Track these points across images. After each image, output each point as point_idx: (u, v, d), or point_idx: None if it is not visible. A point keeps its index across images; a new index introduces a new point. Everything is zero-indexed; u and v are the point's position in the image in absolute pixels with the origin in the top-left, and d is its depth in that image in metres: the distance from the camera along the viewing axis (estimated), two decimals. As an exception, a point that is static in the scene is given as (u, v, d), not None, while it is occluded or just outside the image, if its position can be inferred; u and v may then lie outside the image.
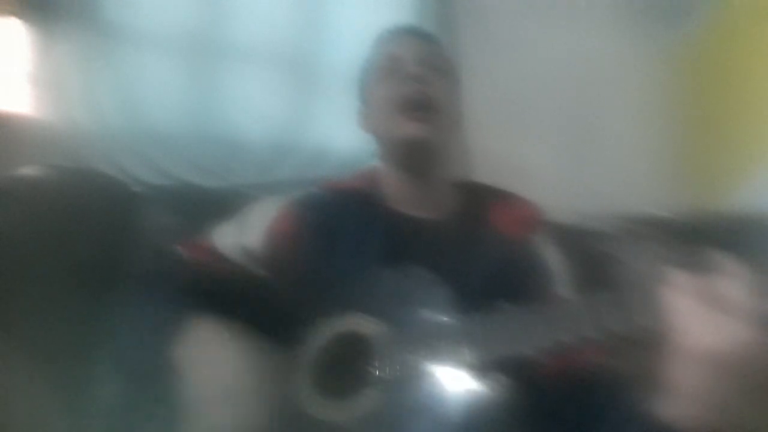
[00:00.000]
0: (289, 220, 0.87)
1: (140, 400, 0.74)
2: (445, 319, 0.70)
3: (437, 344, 0.68)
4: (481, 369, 0.65)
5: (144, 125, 1.42)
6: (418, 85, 0.85)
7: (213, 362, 0.71)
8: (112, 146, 1.36)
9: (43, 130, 1.31)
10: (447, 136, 0.89)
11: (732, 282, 0.54)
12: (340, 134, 1.57)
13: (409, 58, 0.89)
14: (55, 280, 0.95)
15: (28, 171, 1.04)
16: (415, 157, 0.88)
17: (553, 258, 0.90)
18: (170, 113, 1.46)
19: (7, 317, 0.90)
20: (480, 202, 0.92)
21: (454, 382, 0.66)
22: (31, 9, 1.31)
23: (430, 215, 0.90)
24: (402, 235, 0.86)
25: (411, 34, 0.95)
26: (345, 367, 0.72)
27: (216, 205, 1.01)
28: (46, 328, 0.92)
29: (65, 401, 0.91)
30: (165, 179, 1.37)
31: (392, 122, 0.86)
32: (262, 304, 0.78)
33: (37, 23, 1.32)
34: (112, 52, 1.40)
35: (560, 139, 1.78)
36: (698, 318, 0.54)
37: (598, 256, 1.03)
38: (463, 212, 0.91)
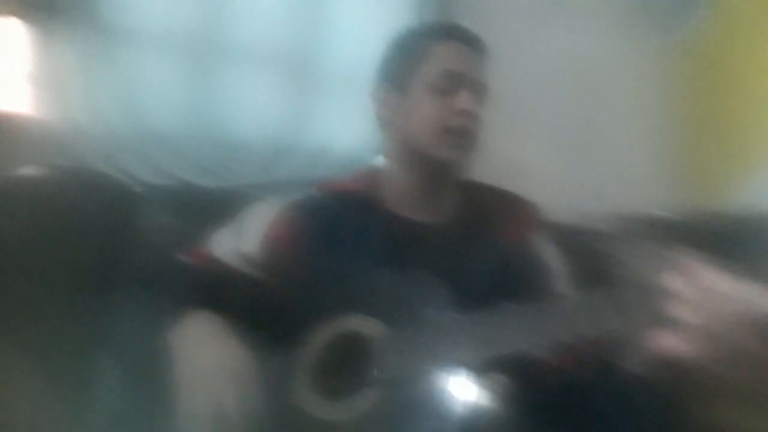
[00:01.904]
0: (286, 225, 0.87)
1: (140, 398, 0.74)
2: (445, 319, 0.70)
3: (437, 344, 0.68)
4: (481, 369, 0.65)
5: (144, 125, 1.41)
6: (468, 120, 0.85)
7: (211, 355, 0.71)
8: (112, 146, 1.36)
9: (43, 130, 1.31)
10: (471, 156, 0.89)
11: (731, 282, 0.54)
12: (340, 134, 1.57)
13: (465, 81, 0.85)
14: (55, 280, 0.95)
15: (28, 171, 1.04)
16: (435, 172, 0.88)
17: (552, 258, 0.90)
18: (170, 113, 1.46)
19: (8, 317, 0.90)
20: (480, 203, 0.92)
21: (454, 382, 0.66)
22: (31, 9, 1.31)
23: (429, 218, 0.90)
24: (401, 239, 0.86)
25: (466, 43, 0.89)
26: (345, 368, 0.72)
27: (216, 205, 1.01)
28: (46, 328, 0.92)
29: (65, 400, 0.91)
30: (165, 179, 1.37)
31: (428, 139, 0.85)
32: (262, 306, 0.78)
33: (37, 23, 1.31)
34: (112, 52, 1.39)
35: (560, 139, 1.78)
36: (698, 317, 0.54)
37: (597, 256, 1.03)
38: (464, 214, 0.91)
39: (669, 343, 0.54)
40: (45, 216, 0.98)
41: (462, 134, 0.85)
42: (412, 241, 0.86)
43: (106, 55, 1.38)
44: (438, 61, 0.87)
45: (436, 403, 0.65)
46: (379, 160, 0.97)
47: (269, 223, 0.87)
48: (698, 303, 0.54)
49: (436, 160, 0.85)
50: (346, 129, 1.57)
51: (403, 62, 0.90)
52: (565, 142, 1.77)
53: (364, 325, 0.74)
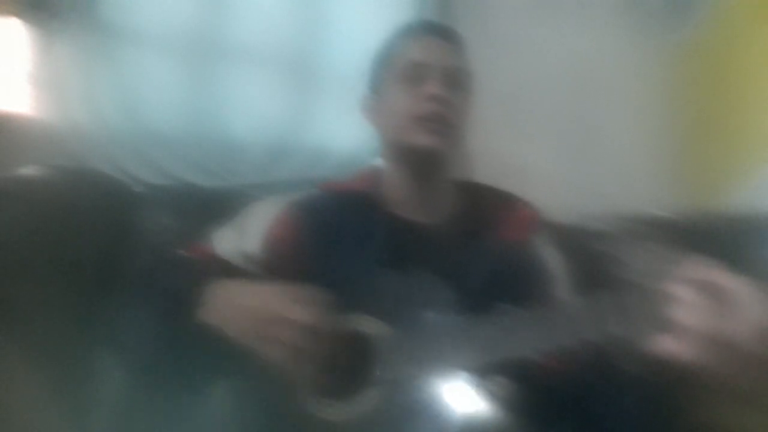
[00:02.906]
0: (288, 224, 0.87)
1: (142, 396, 0.74)
2: (447, 320, 0.70)
3: (439, 346, 0.68)
4: (482, 371, 0.65)
5: (144, 125, 1.41)
6: (438, 105, 0.85)
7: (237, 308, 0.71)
8: (112, 146, 1.36)
9: (43, 130, 1.31)
10: (456, 146, 0.89)
11: (732, 284, 0.54)
12: (340, 134, 1.57)
13: (432, 69, 0.87)
14: (56, 280, 0.95)
15: (28, 171, 1.04)
16: (422, 164, 0.88)
17: (553, 259, 0.90)
18: (170, 113, 1.46)
19: (7, 317, 0.90)
20: (480, 204, 0.92)
21: (456, 383, 0.66)
22: (31, 9, 1.31)
23: (430, 219, 0.90)
24: (402, 240, 0.86)
25: (436, 35, 0.92)
26: (347, 367, 0.72)
27: (216, 205, 1.01)
28: (46, 328, 0.92)
29: (65, 400, 0.91)
30: (165, 179, 1.37)
31: (404, 129, 0.86)
32: None
33: (37, 23, 1.31)
34: (112, 52, 1.40)
35: (560, 139, 1.78)
36: (699, 319, 0.54)
37: (598, 257, 1.03)
38: (463, 215, 0.91)
39: (670, 345, 0.54)
40: (45, 216, 0.98)
41: (434, 119, 0.85)
42: (412, 242, 0.86)
43: (106, 56, 1.39)
44: (405, 55, 0.90)
45: (438, 404, 0.65)
46: (379, 161, 0.97)
47: (271, 222, 0.87)
48: (699, 305, 0.54)
49: (415, 149, 0.86)
50: (346, 129, 1.57)
51: (379, 67, 0.94)
52: (565, 142, 1.77)
53: (366, 325, 0.74)
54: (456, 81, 0.88)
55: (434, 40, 0.90)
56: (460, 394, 0.65)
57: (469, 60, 0.94)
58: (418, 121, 0.85)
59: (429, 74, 0.87)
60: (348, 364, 0.72)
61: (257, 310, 0.69)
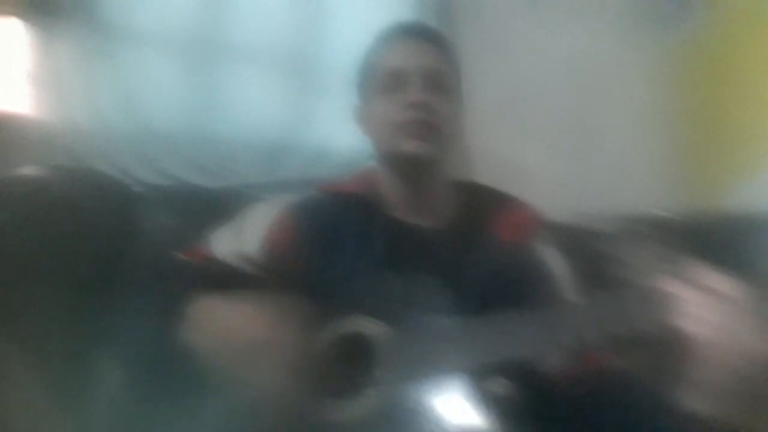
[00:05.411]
0: (286, 227, 0.87)
1: (141, 397, 0.74)
2: (447, 322, 0.70)
3: (439, 347, 0.68)
4: (483, 372, 0.65)
5: (144, 125, 1.41)
6: (420, 112, 0.84)
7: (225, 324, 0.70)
8: (112, 146, 1.36)
9: (43, 130, 1.31)
10: (446, 149, 0.89)
11: (729, 282, 0.54)
12: (340, 134, 1.57)
13: (412, 75, 0.86)
14: (55, 280, 0.95)
15: (28, 171, 1.04)
16: (413, 169, 0.88)
17: (554, 261, 0.90)
18: (170, 113, 1.46)
19: (8, 317, 0.90)
20: (479, 207, 0.92)
21: (456, 385, 0.66)
22: (31, 9, 1.31)
23: (429, 222, 0.89)
24: (402, 244, 0.85)
25: (415, 37, 0.91)
26: (348, 368, 0.72)
27: (216, 205, 1.01)
28: (46, 328, 0.92)
29: (65, 400, 0.91)
30: (165, 179, 1.37)
31: (390, 137, 0.86)
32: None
33: (37, 23, 1.32)
34: (112, 52, 1.40)
35: (560, 139, 1.78)
36: (696, 317, 0.54)
37: (599, 258, 1.03)
38: (463, 218, 0.91)
39: (671, 345, 0.54)
40: (45, 216, 0.98)
41: (417, 126, 0.84)
42: (410, 244, 0.86)
43: (106, 55, 1.39)
44: (384, 63, 0.89)
45: (437, 405, 0.65)
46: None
47: (269, 224, 0.87)
48: (698, 305, 0.54)
49: (402, 156, 0.86)
50: (346, 129, 1.57)
51: (363, 76, 0.94)
52: (565, 142, 1.77)
53: (366, 326, 0.74)
54: (439, 83, 0.87)
55: (412, 43, 0.89)
56: (459, 396, 0.65)
57: (453, 58, 0.93)
58: (401, 129, 0.85)
59: (409, 80, 0.86)
60: (350, 365, 0.72)
61: (243, 333, 0.68)
